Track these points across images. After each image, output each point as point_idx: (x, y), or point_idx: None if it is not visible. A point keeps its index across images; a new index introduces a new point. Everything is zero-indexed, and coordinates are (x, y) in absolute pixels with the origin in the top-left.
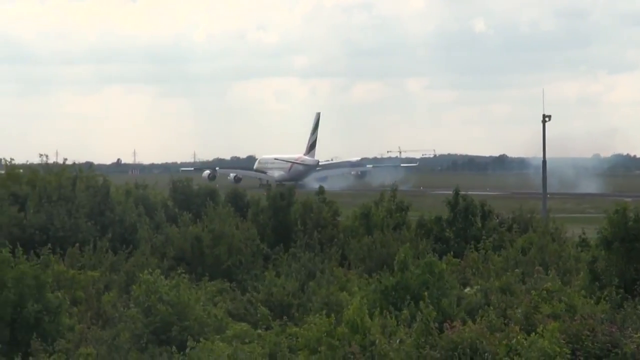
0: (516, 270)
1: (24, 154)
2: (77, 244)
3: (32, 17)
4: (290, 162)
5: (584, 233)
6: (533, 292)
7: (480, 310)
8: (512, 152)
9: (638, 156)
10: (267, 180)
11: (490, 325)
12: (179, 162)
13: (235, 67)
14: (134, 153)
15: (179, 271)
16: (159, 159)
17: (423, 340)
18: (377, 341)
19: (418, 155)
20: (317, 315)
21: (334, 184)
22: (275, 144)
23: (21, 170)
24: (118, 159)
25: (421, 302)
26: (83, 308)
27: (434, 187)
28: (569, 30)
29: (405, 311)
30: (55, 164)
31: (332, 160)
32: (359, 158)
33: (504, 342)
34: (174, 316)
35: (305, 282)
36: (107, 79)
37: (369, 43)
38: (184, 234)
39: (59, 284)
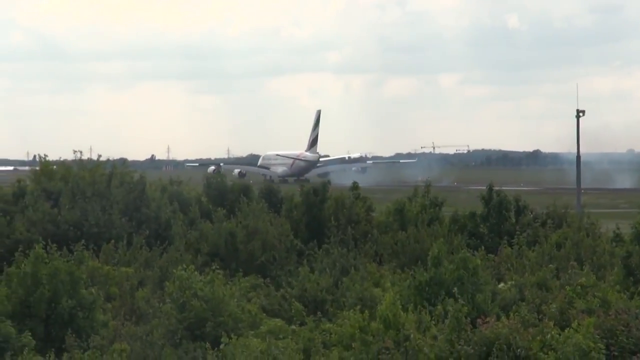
0: (550, 265)
1: (58, 150)
2: (112, 240)
3: (66, 13)
4: (292, 158)
5: (618, 228)
6: (567, 287)
7: (514, 306)
8: (546, 148)
9: None
10: (270, 176)
11: (523, 321)
12: (212, 158)
13: (269, 63)
14: (168, 149)
15: (213, 267)
16: (192, 155)
17: (456, 335)
18: (411, 336)
19: (452, 151)
20: (350, 311)
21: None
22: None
23: (55, 167)
24: (152, 155)
25: (452, 298)
26: (117, 304)
27: (468, 183)
28: (602, 25)
29: (439, 306)
30: (89, 160)
31: (365, 155)
32: (359, 154)
33: (538, 337)
34: (208, 312)
35: (339, 278)
36: (141, 75)
37: (403, 39)
38: (218, 230)
39: (93, 280)
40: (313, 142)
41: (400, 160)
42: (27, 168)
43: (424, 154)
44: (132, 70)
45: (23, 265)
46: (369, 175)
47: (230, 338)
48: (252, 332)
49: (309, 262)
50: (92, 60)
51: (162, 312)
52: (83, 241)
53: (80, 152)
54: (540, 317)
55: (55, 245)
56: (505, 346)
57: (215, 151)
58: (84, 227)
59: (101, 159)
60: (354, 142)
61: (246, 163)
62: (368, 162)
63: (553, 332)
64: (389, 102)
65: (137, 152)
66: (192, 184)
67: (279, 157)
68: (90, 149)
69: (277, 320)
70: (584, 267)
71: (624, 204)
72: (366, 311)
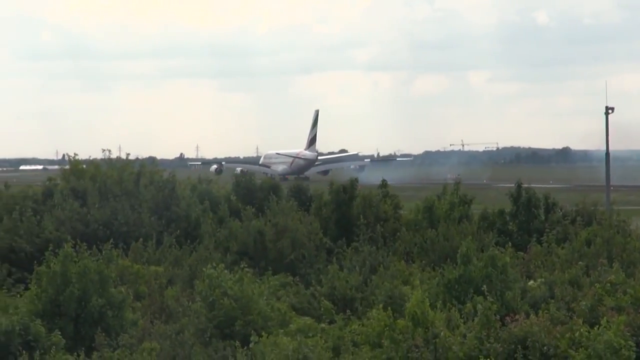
0: (580, 263)
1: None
2: (140, 239)
3: (95, 12)
4: (292, 156)
5: None
6: (597, 285)
7: (544, 304)
8: (576, 145)
9: None
10: (271, 174)
11: (553, 318)
12: (241, 156)
13: (298, 61)
14: (197, 148)
15: (242, 265)
16: (221, 154)
17: (485, 333)
18: (441, 334)
19: (481, 148)
20: (374, 310)
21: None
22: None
23: (84, 166)
24: (181, 154)
25: (481, 296)
26: (146, 303)
27: (497, 180)
28: (632, 21)
29: (468, 304)
30: (118, 159)
31: (394, 153)
32: (356, 152)
33: (567, 335)
34: (237, 310)
35: (368, 276)
36: (170, 74)
37: (431, 36)
38: (247, 228)
39: (122, 279)
40: (312, 141)
41: (397, 159)
42: (56, 167)
43: (452, 151)
44: (161, 68)
45: (53, 264)
46: (400, 171)
47: (259, 336)
48: (282, 330)
49: (338, 260)
50: (121, 59)
51: (192, 310)
52: (112, 240)
53: (109, 150)
54: (569, 314)
55: (84, 244)
56: (536, 344)
57: (244, 150)
58: (113, 226)
59: (130, 157)
60: (383, 140)
61: (253, 162)
62: (366, 160)
63: (582, 330)
64: (418, 99)
65: (166, 151)
66: (220, 182)
67: (280, 155)
68: (119, 147)
69: (306, 318)
70: (613, 264)
71: None
72: (389, 309)
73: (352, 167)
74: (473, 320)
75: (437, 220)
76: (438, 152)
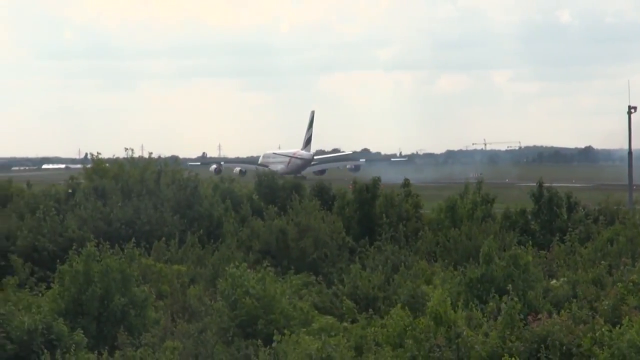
0: (602, 262)
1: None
2: (163, 238)
3: (117, 11)
4: (289, 156)
5: None
6: (619, 284)
7: (566, 303)
8: (598, 144)
9: None
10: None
11: (575, 318)
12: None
13: (320, 60)
14: (219, 147)
15: (265, 264)
16: (244, 153)
17: (508, 332)
18: (463, 333)
19: (503, 147)
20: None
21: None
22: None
23: (107, 165)
24: (203, 153)
25: (505, 295)
26: (169, 302)
27: (519, 179)
28: None
29: (490, 303)
30: (141, 158)
31: (417, 152)
32: (351, 152)
33: (589, 334)
34: (260, 309)
35: (390, 275)
36: (192, 73)
37: (453, 35)
38: (270, 228)
39: (144, 278)
40: (308, 141)
41: (392, 159)
42: (79, 166)
43: (475, 150)
44: (184, 67)
45: (75, 263)
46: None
47: (282, 335)
48: (304, 329)
49: (360, 259)
50: (143, 58)
51: (214, 309)
52: (134, 239)
53: (132, 149)
54: (592, 314)
55: (107, 243)
56: (557, 343)
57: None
58: (135, 225)
59: (152, 156)
60: (406, 139)
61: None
62: (361, 160)
63: (604, 329)
64: (440, 98)
65: (188, 150)
66: (243, 181)
67: (277, 155)
68: (142, 146)
69: (328, 317)
70: (636, 263)
71: None
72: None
73: (347, 166)
74: (495, 319)
75: (460, 220)
76: (460, 151)
